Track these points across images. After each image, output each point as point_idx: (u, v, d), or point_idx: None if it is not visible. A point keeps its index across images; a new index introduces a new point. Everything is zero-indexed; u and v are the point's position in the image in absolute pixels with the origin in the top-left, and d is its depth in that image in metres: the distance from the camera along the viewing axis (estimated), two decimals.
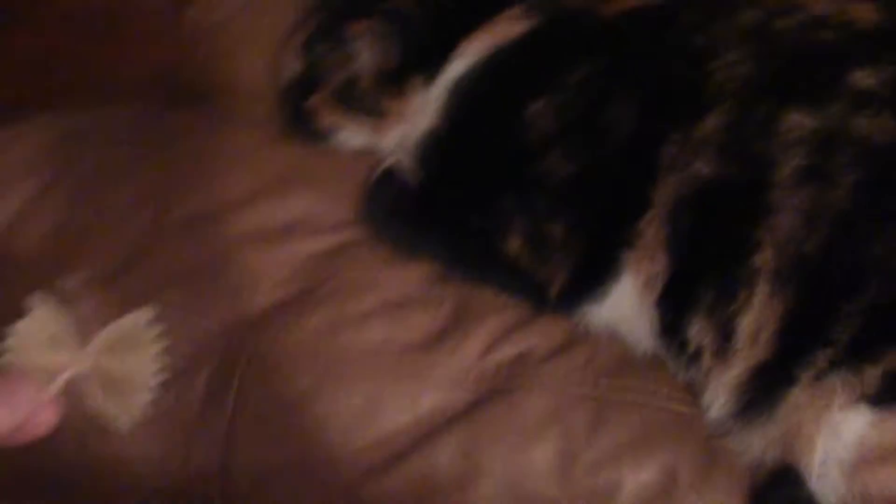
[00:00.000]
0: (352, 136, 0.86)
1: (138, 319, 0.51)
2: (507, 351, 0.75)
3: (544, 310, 0.77)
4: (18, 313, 0.49)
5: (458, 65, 0.78)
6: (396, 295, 0.79)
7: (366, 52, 0.81)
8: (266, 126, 0.88)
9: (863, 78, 0.65)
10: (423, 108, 0.79)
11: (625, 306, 0.72)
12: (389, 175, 0.84)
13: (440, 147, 0.78)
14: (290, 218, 0.83)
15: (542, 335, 0.76)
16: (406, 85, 0.80)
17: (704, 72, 0.70)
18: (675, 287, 0.69)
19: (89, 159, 0.88)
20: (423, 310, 0.78)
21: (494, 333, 0.76)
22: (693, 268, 0.68)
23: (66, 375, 0.47)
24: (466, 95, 0.77)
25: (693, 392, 0.70)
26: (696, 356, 0.68)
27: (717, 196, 0.67)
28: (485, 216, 0.77)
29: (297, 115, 0.86)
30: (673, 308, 0.69)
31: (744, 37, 0.70)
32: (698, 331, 0.67)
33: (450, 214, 0.79)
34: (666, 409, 0.71)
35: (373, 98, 0.81)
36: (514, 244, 0.75)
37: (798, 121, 0.65)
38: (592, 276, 0.73)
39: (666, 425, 0.70)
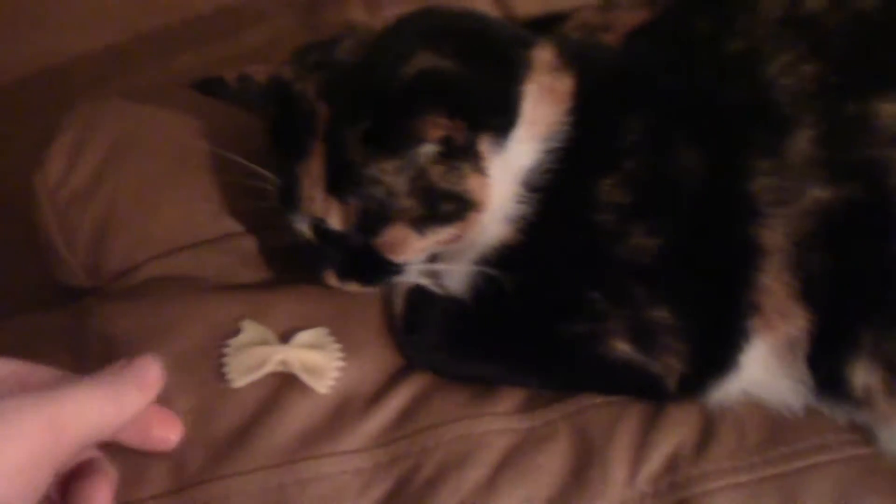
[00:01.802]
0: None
1: (321, 332, 0.73)
2: (655, 461, 0.67)
3: (664, 402, 0.70)
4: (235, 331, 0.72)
5: (523, 151, 0.69)
6: (505, 443, 0.69)
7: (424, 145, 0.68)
8: None
9: None
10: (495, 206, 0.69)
11: (762, 374, 0.67)
12: (423, 294, 0.75)
13: (515, 255, 0.70)
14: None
15: (677, 428, 0.69)
16: (480, 156, 0.68)
17: (762, 81, 0.65)
18: (826, 339, 0.64)
19: None
20: (542, 452, 0.68)
21: (630, 447, 0.68)
22: (841, 311, 0.64)
23: (277, 358, 0.70)
24: (536, 190, 0.69)
25: (862, 431, 0.66)
26: (866, 401, 0.64)
27: (847, 220, 0.62)
28: (576, 322, 0.69)
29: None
30: (827, 361, 0.65)
31: (783, 30, 0.66)
32: (864, 375, 0.64)
33: (532, 327, 0.70)
34: (848, 458, 0.66)
35: (450, 191, 0.68)
36: (617, 345, 0.68)
37: (893, 111, 0.62)
38: (716, 354, 0.68)
39: (860, 473, 0.65)
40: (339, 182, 0.68)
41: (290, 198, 0.71)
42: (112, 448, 0.66)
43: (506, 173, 0.68)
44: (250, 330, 0.72)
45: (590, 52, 0.73)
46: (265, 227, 0.80)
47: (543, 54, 0.70)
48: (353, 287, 0.74)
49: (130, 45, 1.24)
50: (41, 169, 0.85)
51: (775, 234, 0.64)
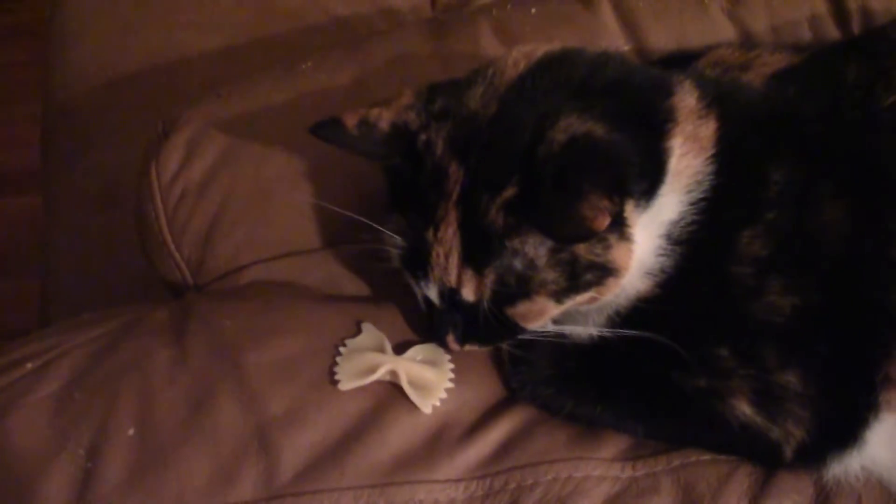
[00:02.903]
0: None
1: (438, 349, 0.72)
2: None
3: (777, 468, 0.67)
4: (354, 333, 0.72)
5: (666, 204, 0.65)
6: (605, 491, 0.66)
7: None
8: None
9: None
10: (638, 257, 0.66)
11: (889, 452, 0.64)
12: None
13: (649, 308, 0.67)
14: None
15: (791, 496, 0.65)
16: (626, 223, 0.64)
17: None
18: None
19: None
20: (643, 503, 0.66)
21: None
22: None
23: (385, 368, 0.69)
24: (679, 243, 0.66)
25: None
26: None
27: None
28: (698, 376, 0.66)
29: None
30: None
31: None
32: None
33: (651, 375, 0.67)
34: None
35: (595, 262, 0.64)
36: (739, 405, 0.65)
37: None
38: (840, 426, 0.64)
39: None
40: (477, 252, 0.65)
41: (418, 264, 0.68)
42: (203, 444, 0.65)
43: (649, 229, 0.65)
44: (368, 333, 0.71)
45: (733, 94, 0.70)
46: (376, 241, 0.79)
47: (688, 100, 0.67)
48: (472, 348, 0.71)
49: (244, 49, 1.25)
50: (156, 162, 0.85)
51: None
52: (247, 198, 0.82)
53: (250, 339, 0.71)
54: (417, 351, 0.71)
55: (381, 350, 0.71)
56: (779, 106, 0.69)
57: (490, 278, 0.65)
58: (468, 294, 0.67)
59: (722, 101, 0.68)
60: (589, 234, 0.62)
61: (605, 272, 0.64)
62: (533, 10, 0.88)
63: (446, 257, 0.66)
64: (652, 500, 0.66)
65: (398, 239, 0.68)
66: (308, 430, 0.66)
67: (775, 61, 0.75)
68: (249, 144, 0.84)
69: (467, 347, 0.70)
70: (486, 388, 0.71)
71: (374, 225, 0.69)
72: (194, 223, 0.82)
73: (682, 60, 0.80)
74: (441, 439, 0.67)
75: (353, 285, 0.79)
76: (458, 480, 0.66)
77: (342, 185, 0.80)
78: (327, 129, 0.70)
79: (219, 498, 0.64)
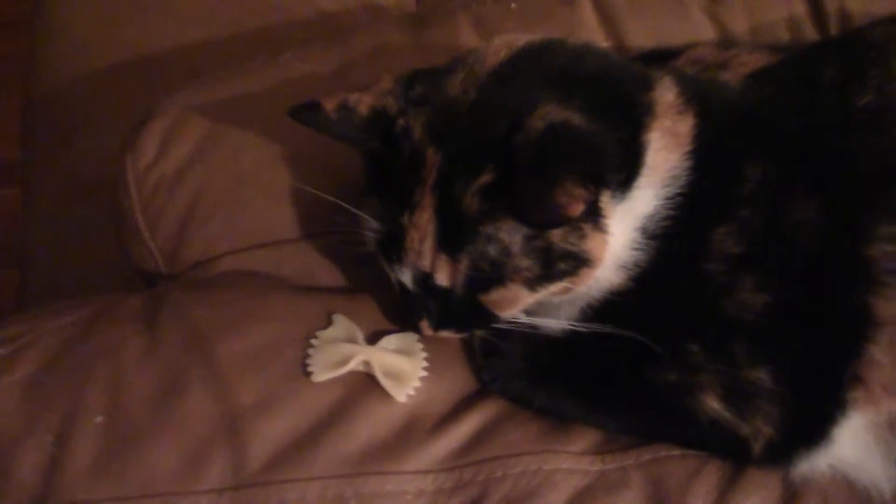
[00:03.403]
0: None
1: (411, 338, 0.72)
2: None
3: (745, 465, 0.67)
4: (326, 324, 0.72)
5: (642, 197, 0.66)
6: (574, 484, 0.66)
7: None
8: None
9: None
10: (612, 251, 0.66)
11: (854, 451, 0.64)
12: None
13: (621, 301, 0.67)
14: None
15: (759, 492, 0.65)
16: (602, 213, 0.64)
17: (894, 141, 0.62)
18: None
19: None
20: (612, 498, 0.65)
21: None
22: None
23: (359, 358, 0.69)
24: (653, 237, 0.66)
25: None
26: None
27: None
28: (669, 371, 0.66)
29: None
30: None
31: None
32: None
33: (621, 369, 0.67)
34: None
35: (569, 251, 0.64)
36: (708, 401, 0.65)
37: None
38: (808, 424, 0.64)
39: None
40: (451, 237, 0.65)
41: (392, 248, 0.67)
42: (171, 432, 0.65)
43: (624, 222, 0.65)
44: (340, 324, 0.71)
45: (711, 92, 0.70)
46: (350, 233, 0.79)
47: (667, 96, 0.67)
48: (446, 334, 0.71)
49: (228, 42, 1.24)
50: (132, 151, 0.84)
51: (891, 305, 0.61)
52: (223, 187, 0.82)
53: (222, 328, 0.70)
54: (390, 341, 0.71)
55: (354, 341, 0.71)
56: (755, 105, 0.69)
57: (464, 263, 0.65)
58: (442, 279, 0.66)
59: (700, 98, 0.68)
60: (562, 220, 0.62)
61: (579, 262, 0.64)
62: (513, 6, 0.89)
63: (421, 242, 0.65)
64: (621, 494, 0.66)
65: (374, 223, 0.68)
66: (278, 419, 0.66)
67: (753, 61, 0.75)
68: (227, 134, 0.83)
69: (442, 333, 0.70)
70: (458, 381, 0.71)
71: (351, 208, 0.69)
72: (169, 212, 0.82)
73: (660, 58, 0.80)
74: (411, 431, 0.67)
75: (328, 276, 0.79)
76: (427, 472, 0.66)
77: (320, 174, 0.80)
78: (306, 112, 0.70)
79: (186, 486, 0.64)
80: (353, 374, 0.69)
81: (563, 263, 0.64)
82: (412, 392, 0.69)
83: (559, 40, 0.71)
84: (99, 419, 0.66)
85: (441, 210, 0.64)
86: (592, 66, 0.69)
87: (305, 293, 0.76)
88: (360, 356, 0.69)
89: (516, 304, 0.67)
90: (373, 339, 0.71)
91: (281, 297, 0.74)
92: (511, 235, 0.63)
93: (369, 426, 0.67)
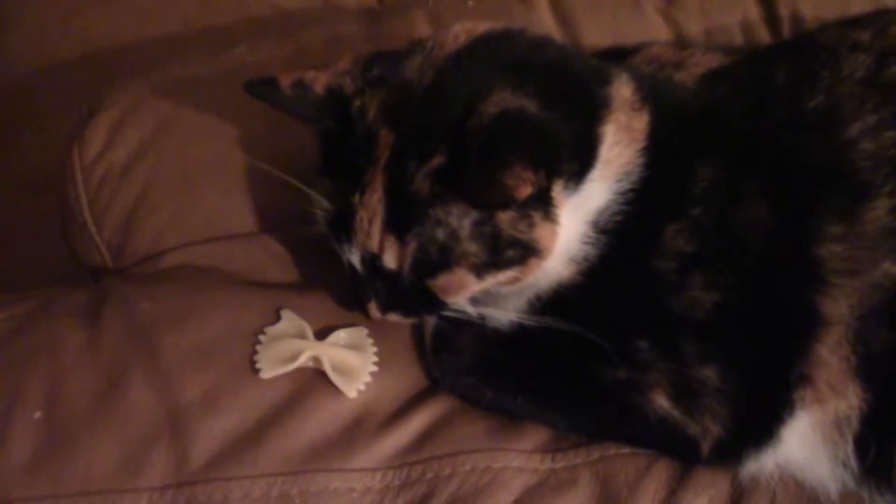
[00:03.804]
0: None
1: (360, 332, 0.71)
2: None
3: (694, 464, 0.67)
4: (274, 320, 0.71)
5: (595, 191, 0.65)
6: (523, 482, 0.65)
7: None
8: None
9: None
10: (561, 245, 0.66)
11: (801, 451, 0.64)
12: (459, 321, 0.71)
13: (570, 295, 0.66)
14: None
15: (707, 490, 0.65)
16: (552, 203, 0.64)
17: (842, 141, 0.62)
18: (878, 420, 0.61)
19: None
20: (560, 497, 0.65)
21: (656, 502, 0.64)
22: None
23: (308, 354, 0.68)
24: (604, 232, 0.65)
25: None
26: None
27: None
28: (618, 368, 0.65)
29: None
30: (877, 444, 0.61)
31: (866, 91, 0.63)
32: None
33: (571, 366, 0.67)
34: None
35: (518, 239, 0.64)
36: (657, 398, 0.65)
37: None
38: (756, 423, 0.64)
39: None
40: (400, 219, 0.64)
41: (341, 228, 0.67)
42: (112, 428, 0.64)
43: (575, 214, 0.65)
44: (288, 320, 0.70)
45: (666, 91, 0.70)
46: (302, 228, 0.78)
47: (623, 91, 0.67)
48: (395, 318, 0.70)
49: (183, 37, 1.23)
50: (79, 143, 0.83)
51: (838, 305, 0.61)
52: (171, 180, 0.80)
53: (167, 322, 0.69)
54: (339, 336, 0.70)
55: (303, 336, 0.69)
56: (709, 105, 0.69)
57: (412, 246, 0.64)
58: (389, 261, 0.66)
59: (656, 96, 0.68)
60: (508, 202, 0.61)
61: (527, 251, 0.64)
62: (470, 3, 0.89)
63: (370, 222, 0.65)
64: (570, 492, 0.65)
65: (325, 202, 0.67)
66: (222, 416, 0.65)
67: (707, 61, 0.76)
68: (176, 125, 0.82)
69: (390, 317, 0.70)
70: (409, 377, 0.70)
71: (302, 186, 0.68)
72: (116, 205, 0.80)
73: (616, 55, 0.80)
74: (359, 428, 0.66)
75: (278, 272, 0.77)
76: (374, 470, 0.65)
77: (272, 164, 0.78)
78: (261, 87, 0.69)
79: (126, 483, 0.62)
80: (301, 370, 0.68)
81: (511, 251, 0.64)
82: (362, 387, 0.68)
83: (519, 29, 0.71)
84: (37, 415, 0.64)
85: (391, 191, 0.64)
86: (551, 56, 0.69)
87: (254, 288, 0.74)
88: (310, 351, 0.68)
89: (463, 291, 0.66)
90: (322, 334, 0.70)
91: (229, 291, 0.73)
92: (460, 219, 0.63)
93: (316, 423, 0.66)
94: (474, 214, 0.63)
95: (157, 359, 0.67)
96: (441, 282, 0.66)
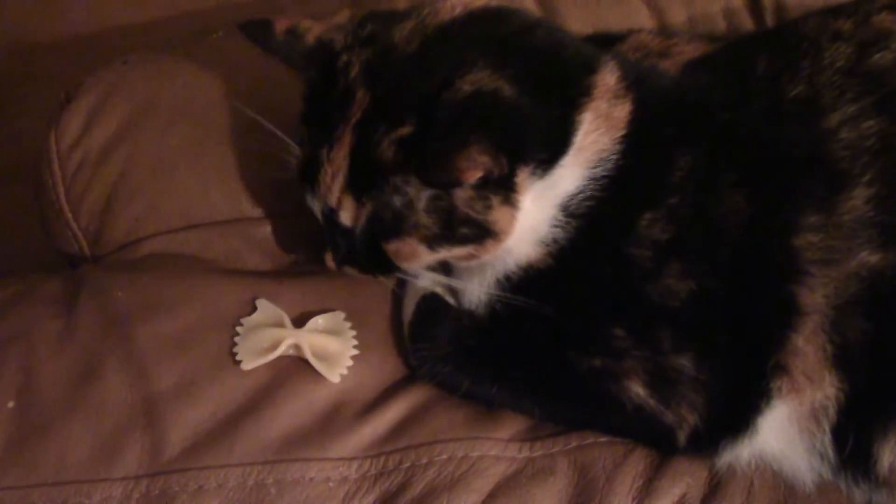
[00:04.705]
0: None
1: (338, 317, 0.71)
2: None
3: (672, 454, 0.66)
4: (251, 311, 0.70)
5: (566, 176, 0.64)
6: (500, 471, 0.65)
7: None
8: None
9: None
10: (529, 226, 0.65)
11: (777, 442, 0.64)
12: (436, 303, 0.71)
13: (541, 278, 0.66)
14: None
15: (684, 479, 0.65)
16: (515, 188, 0.63)
17: (822, 131, 0.62)
18: (855, 410, 0.60)
19: None
20: (538, 485, 0.65)
21: (632, 491, 0.65)
22: (875, 383, 0.60)
23: (288, 342, 0.68)
24: (575, 216, 0.65)
25: None
26: (892, 482, 0.60)
27: (894, 289, 0.59)
28: (593, 355, 0.65)
29: None
30: (854, 434, 0.61)
31: (847, 81, 0.63)
32: (894, 454, 0.60)
33: (547, 354, 0.67)
34: None
35: (472, 218, 0.64)
36: (632, 387, 0.64)
37: None
38: (733, 413, 0.64)
39: None
40: (361, 180, 0.64)
41: (308, 177, 0.67)
42: (86, 417, 0.63)
43: (543, 198, 0.65)
44: (264, 310, 0.70)
45: (650, 79, 0.69)
46: (281, 215, 0.77)
47: (608, 79, 0.66)
48: (351, 271, 0.70)
49: (168, 23, 1.22)
50: (56, 128, 0.82)
51: (815, 295, 0.61)
52: (149, 167, 0.79)
53: (143, 311, 0.68)
54: (318, 322, 0.70)
55: (280, 325, 0.69)
56: (691, 94, 0.69)
57: (367, 208, 0.64)
58: (345, 219, 0.66)
59: (639, 84, 0.67)
60: (455, 183, 0.61)
61: (483, 231, 0.64)
62: None
63: (332, 177, 0.65)
64: (547, 480, 0.65)
65: (297, 149, 0.68)
66: (197, 405, 0.65)
67: (691, 50, 0.75)
68: (154, 111, 0.81)
69: (346, 270, 0.70)
70: (387, 366, 0.70)
71: (277, 132, 0.68)
72: (93, 192, 0.79)
73: (602, 42, 0.79)
74: (336, 417, 0.66)
75: (255, 259, 0.77)
76: (351, 459, 0.65)
77: (249, 157, 0.78)
78: (256, 28, 0.70)
79: (100, 473, 0.62)
80: (278, 358, 0.67)
81: (465, 229, 0.64)
82: (345, 371, 0.68)
83: (516, 9, 0.70)
84: (10, 404, 0.64)
85: (357, 151, 0.64)
86: (541, 40, 0.68)
87: (231, 276, 0.74)
88: (290, 339, 0.67)
89: (415, 259, 0.67)
90: (299, 321, 0.70)
91: (206, 280, 0.73)
92: (418, 191, 0.63)
93: (293, 412, 0.65)
94: (431, 188, 0.63)
95: (131, 347, 0.66)
96: (393, 247, 0.66)
